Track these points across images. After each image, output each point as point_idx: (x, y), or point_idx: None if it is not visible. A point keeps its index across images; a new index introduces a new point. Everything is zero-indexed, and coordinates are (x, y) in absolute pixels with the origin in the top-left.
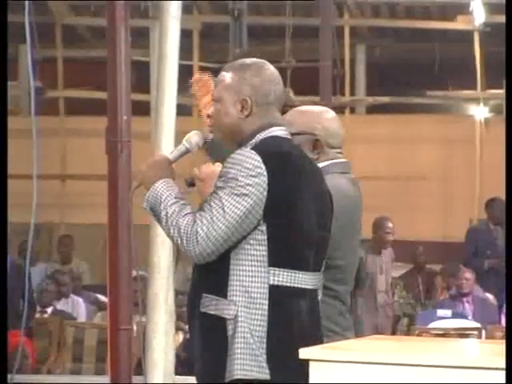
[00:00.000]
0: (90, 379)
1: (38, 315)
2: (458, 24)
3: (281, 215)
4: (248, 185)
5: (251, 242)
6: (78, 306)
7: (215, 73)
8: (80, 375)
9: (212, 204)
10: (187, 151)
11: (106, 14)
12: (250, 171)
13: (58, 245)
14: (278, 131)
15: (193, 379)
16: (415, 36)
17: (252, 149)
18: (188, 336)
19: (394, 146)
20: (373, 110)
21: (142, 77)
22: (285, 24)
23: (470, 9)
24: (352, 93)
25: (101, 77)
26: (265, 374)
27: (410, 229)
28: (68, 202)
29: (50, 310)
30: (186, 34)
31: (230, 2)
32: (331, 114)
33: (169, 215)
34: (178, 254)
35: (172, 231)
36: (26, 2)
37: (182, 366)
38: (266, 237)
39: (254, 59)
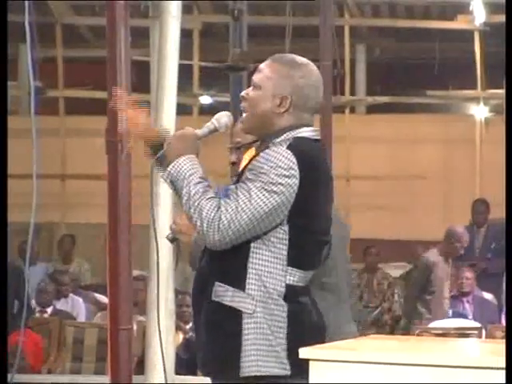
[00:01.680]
0: (90, 379)
1: (37, 315)
2: (458, 24)
3: (303, 218)
4: (280, 184)
5: (272, 239)
6: (77, 306)
7: (215, 71)
8: (80, 375)
9: (239, 194)
10: (215, 130)
11: (106, 14)
12: (284, 171)
13: (59, 244)
14: (308, 132)
15: (192, 379)
16: (415, 36)
17: (287, 148)
18: (188, 336)
19: (394, 145)
20: (373, 109)
21: (142, 76)
22: (285, 24)
23: (470, 8)
24: (352, 92)
25: (101, 76)
26: (285, 370)
27: (410, 228)
28: (68, 202)
29: (49, 309)
30: (186, 34)
31: (230, 2)
32: None
33: (191, 194)
34: (178, 254)
35: (193, 211)
36: (26, 2)
37: (182, 365)
38: (287, 236)
39: (305, 59)
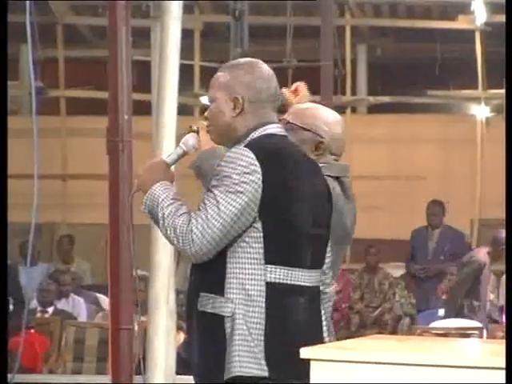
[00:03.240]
0: (91, 379)
1: (39, 315)
2: (459, 24)
3: (275, 212)
4: (243, 182)
5: (247, 239)
6: (78, 306)
7: (216, 71)
8: (81, 375)
9: (206, 202)
10: (184, 154)
11: (107, 14)
12: (244, 168)
13: (58, 245)
14: (273, 129)
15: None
16: (416, 36)
17: (245, 146)
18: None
19: (394, 145)
20: (374, 109)
21: (143, 76)
22: (286, 24)
23: (471, 8)
24: (353, 92)
25: (102, 76)
26: (263, 371)
27: (410, 228)
28: (69, 202)
29: (51, 309)
30: (187, 34)
31: (231, 2)
32: (340, 119)
33: (165, 216)
34: (179, 254)
35: (169, 232)
36: (27, 2)
37: (183, 365)
38: (261, 234)
39: (248, 58)
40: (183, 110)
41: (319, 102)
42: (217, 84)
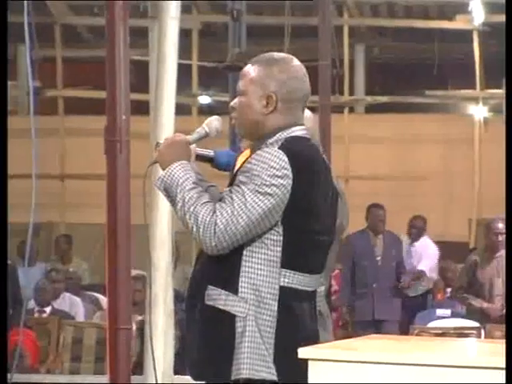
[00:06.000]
0: (89, 379)
1: (36, 315)
2: (457, 23)
3: (299, 218)
4: (273, 185)
5: (266, 241)
6: (75, 306)
7: (214, 71)
8: (79, 375)
9: (234, 198)
10: (206, 135)
11: (105, 14)
12: (276, 171)
13: (56, 244)
14: (299, 131)
15: (191, 379)
16: (414, 36)
17: (279, 148)
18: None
19: (393, 145)
20: (372, 109)
21: (141, 76)
22: (284, 24)
23: (469, 8)
24: (351, 92)
25: (100, 76)
26: (272, 375)
27: None
28: (67, 202)
29: (48, 309)
30: (185, 34)
31: (229, 2)
32: (311, 115)
33: (186, 200)
34: (177, 254)
35: (188, 217)
36: (25, 2)
37: (181, 365)
38: (281, 238)
39: (283, 54)
40: (181, 110)
41: (317, 102)
42: (249, 77)
